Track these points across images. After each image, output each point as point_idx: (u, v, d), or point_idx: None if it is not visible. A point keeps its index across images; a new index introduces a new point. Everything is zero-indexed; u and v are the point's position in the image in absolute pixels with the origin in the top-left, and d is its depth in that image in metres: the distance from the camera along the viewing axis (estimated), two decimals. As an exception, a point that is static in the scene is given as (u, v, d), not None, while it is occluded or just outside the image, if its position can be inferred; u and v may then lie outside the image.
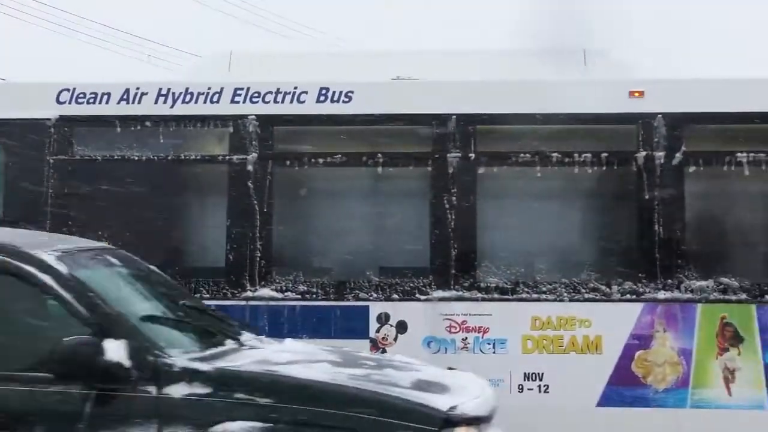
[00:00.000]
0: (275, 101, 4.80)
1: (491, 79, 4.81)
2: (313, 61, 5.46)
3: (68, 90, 4.87)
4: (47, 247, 2.88)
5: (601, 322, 4.63)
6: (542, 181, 4.74)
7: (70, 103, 4.86)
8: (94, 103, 4.85)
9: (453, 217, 4.65)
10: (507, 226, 4.80)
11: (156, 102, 4.83)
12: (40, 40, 23.48)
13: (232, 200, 4.77)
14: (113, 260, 3.24)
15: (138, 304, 3.06)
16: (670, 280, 4.61)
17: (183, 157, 4.87)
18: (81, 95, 4.86)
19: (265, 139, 4.77)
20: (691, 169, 4.67)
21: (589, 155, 4.69)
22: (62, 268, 2.72)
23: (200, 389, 2.49)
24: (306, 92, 4.79)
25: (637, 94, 4.72)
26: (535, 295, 4.63)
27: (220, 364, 2.66)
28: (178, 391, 2.48)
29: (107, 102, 4.84)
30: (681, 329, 4.61)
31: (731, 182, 4.72)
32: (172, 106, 4.82)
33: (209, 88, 4.83)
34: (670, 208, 4.65)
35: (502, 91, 4.79)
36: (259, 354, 2.89)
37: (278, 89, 4.79)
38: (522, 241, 4.79)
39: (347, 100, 4.76)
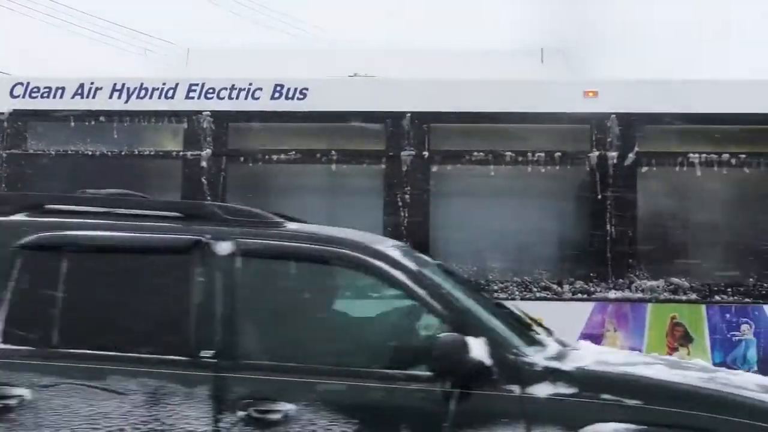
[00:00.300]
0: (230, 97, 4.80)
1: (446, 78, 4.80)
2: (274, 57, 5.47)
3: (22, 84, 4.85)
4: (383, 243, 2.81)
5: (552, 320, 4.63)
6: (496, 180, 4.75)
7: (23, 97, 4.84)
8: (48, 97, 4.83)
9: (405, 214, 4.66)
10: (460, 224, 4.81)
11: (110, 97, 4.82)
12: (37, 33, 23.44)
13: (187, 196, 4.76)
14: (421, 256, 3.06)
15: (467, 301, 2.87)
16: (621, 280, 4.64)
17: (137, 153, 4.86)
18: (35, 89, 4.84)
19: (220, 136, 4.77)
20: (644, 169, 4.70)
21: (542, 155, 4.70)
22: (411, 264, 2.63)
23: (565, 389, 2.40)
24: (261, 89, 4.78)
25: (591, 94, 4.73)
26: (486, 294, 4.64)
27: (573, 363, 2.55)
28: (542, 390, 2.39)
29: (61, 96, 4.82)
30: (631, 328, 4.64)
31: (683, 183, 4.75)
32: (126, 102, 4.81)
33: (164, 84, 4.82)
34: (622, 209, 4.67)
35: (458, 90, 4.79)
36: (590, 354, 2.75)
37: (233, 85, 4.78)
38: (475, 239, 4.80)
39: (302, 96, 4.76)
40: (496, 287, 4.64)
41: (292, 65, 5.23)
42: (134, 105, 4.81)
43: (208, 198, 4.66)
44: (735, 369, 4.52)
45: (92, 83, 4.85)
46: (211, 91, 4.78)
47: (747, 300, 4.61)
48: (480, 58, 5.03)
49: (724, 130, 4.73)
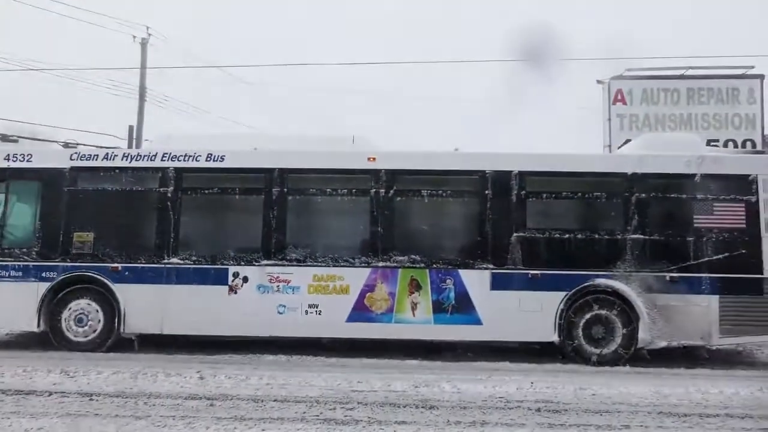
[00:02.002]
0: (185, 160, 9.10)
1: (296, 150, 9.12)
2: (218, 139, 9.75)
3: (77, 152, 9.20)
4: None
5: (349, 278, 8.84)
6: (321, 203, 9.02)
7: (77, 160, 9.18)
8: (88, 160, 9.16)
9: (274, 222, 8.91)
10: (302, 227, 9.09)
11: (122, 160, 9.14)
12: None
13: (162, 212, 9.00)
14: None
15: None
16: (385, 256, 8.84)
17: (135, 190, 9.15)
18: (83, 156, 9.18)
19: (178, 180, 9.06)
20: (398, 198, 8.95)
21: (345, 191, 8.98)
22: None
23: None
24: (201, 155, 9.09)
25: (372, 159, 9.02)
26: (315, 263, 8.86)
27: None
28: None
29: (96, 159, 9.15)
30: (390, 282, 8.82)
31: (418, 204, 8.98)
32: (129, 162, 9.13)
33: (150, 152, 9.16)
34: (387, 219, 8.90)
35: (302, 156, 9.08)
36: None
37: (186, 154, 9.09)
38: (309, 235, 9.05)
39: (221, 160, 9.06)
40: (320, 260, 8.83)
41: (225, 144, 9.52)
42: (134, 164, 9.12)
43: (171, 213, 8.92)
44: (445, 303, 8.73)
45: (114, 152, 9.18)
46: (174, 157, 9.09)
47: (450, 267, 8.81)
48: (315, 142, 9.35)
49: (438, 178, 8.99)
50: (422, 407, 6.07)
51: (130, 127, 19.62)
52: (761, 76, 16.32)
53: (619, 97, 16.66)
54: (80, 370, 7.29)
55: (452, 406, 6.13)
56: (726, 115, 16.37)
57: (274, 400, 6.26)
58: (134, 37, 20.57)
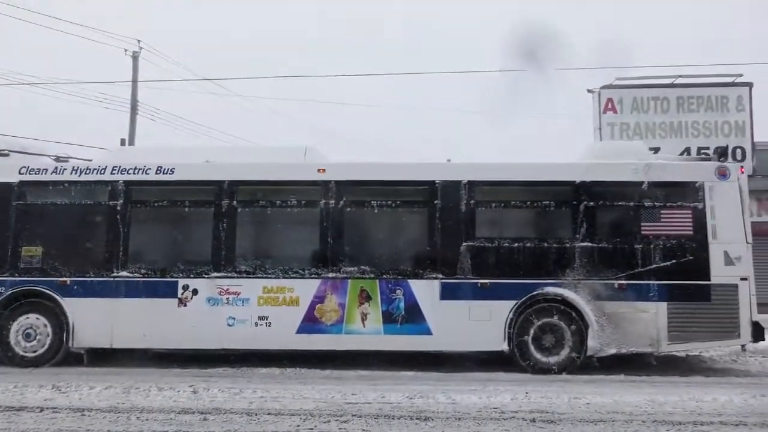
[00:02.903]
0: (134, 173, 9.09)
1: (245, 162, 9.14)
2: (171, 151, 9.73)
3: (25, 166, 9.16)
4: None
5: (299, 289, 8.84)
6: (271, 215, 9.03)
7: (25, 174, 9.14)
8: (36, 174, 9.12)
9: (223, 235, 8.90)
10: (252, 239, 9.09)
11: (71, 173, 9.10)
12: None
13: (111, 225, 8.97)
14: None
15: None
16: (335, 267, 8.85)
17: (85, 204, 9.11)
18: (31, 169, 9.15)
19: (128, 193, 9.04)
20: (348, 209, 8.97)
21: (295, 202, 9.00)
22: None
23: None
24: (150, 169, 9.07)
25: (321, 171, 9.04)
26: (265, 275, 8.85)
27: None
28: None
29: (45, 173, 9.12)
30: (340, 293, 8.82)
31: (369, 214, 9.01)
32: (79, 175, 9.10)
33: (99, 165, 9.14)
34: (337, 230, 8.91)
35: (253, 168, 9.10)
36: None
37: (135, 167, 9.08)
38: (259, 247, 9.06)
39: (171, 173, 9.05)
40: (270, 272, 8.82)
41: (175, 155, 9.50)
42: (84, 177, 9.09)
43: (121, 226, 8.90)
44: (394, 313, 8.74)
45: (63, 166, 9.15)
46: (123, 170, 9.07)
47: (400, 277, 8.81)
48: (268, 153, 9.37)
49: (388, 189, 9.02)
50: (417, 419, 6.03)
51: (122, 141, 19.43)
52: (749, 84, 16.44)
53: (610, 106, 16.77)
54: (72, 385, 7.23)
55: (447, 417, 6.09)
56: (715, 122, 16.53)
57: (268, 414, 6.23)
58: (126, 50, 20.44)
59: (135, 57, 20.49)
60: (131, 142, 19.54)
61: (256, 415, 6.18)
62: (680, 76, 16.64)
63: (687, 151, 16.31)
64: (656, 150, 13.92)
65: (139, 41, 20.61)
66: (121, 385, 7.25)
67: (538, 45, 17.03)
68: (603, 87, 16.86)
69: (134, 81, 20.45)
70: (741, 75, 16.39)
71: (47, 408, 6.39)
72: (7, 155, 9.43)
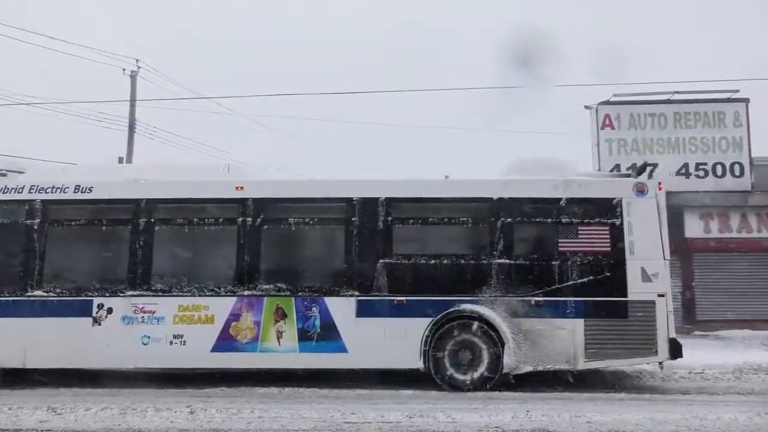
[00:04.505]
0: (52, 192, 9.08)
1: (164, 180, 9.14)
2: (94, 170, 9.74)
3: (-57, 186, 9.16)
4: None
5: (214, 307, 8.79)
6: (188, 233, 9.01)
7: (-56, 193, 9.13)
8: (-44, 193, 9.11)
9: (140, 253, 8.87)
10: (169, 257, 9.05)
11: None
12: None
13: (28, 244, 8.95)
14: None
15: None
16: (251, 284, 8.81)
17: (5, 222, 9.09)
18: (-50, 189, 9.14)
19: (45, 212, 9.03)
20: (265, 226, 8.95)
21: (213, 220, 8.99)
22: None
23: None
24: (68, 187, 9.07)
25: (239, 188, 9.04)
26: (180, 293, 8.80)
27: None
28: None
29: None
30: (255, 310, 8.76)
31: (286, 232, 8.97)
32: (4, 193, 9.08)
33: (17, 185, 9.13)
34: (254, 248, 8.88)
35: (174, 186, 9.10)
36: None
37: (53, 186, 9.08)
38: (175, 265, 9.01)
39: (89, 191, 9.04)
40: (186, 290, 8.79)
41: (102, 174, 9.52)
42: (1, 196, 9.07)
43: (37, 245, 8.87)
44: (310, 331, 8.69)
45: None
46: (41, 189, 9.07)
47: (315, 294, 8.77)
48: (191, 171, 9.37)
49: (305, 206, 9.02)
50: (416, 438, 5.94)
51: (120, 159, 19.38)
52: (746, 100, 16.50)
53: (607, 122, 16.80)
54: (68, 407, 7.18)
55: (447, 437, 6.02)
56: (713, 138, 16.56)
57: (266, 433, 6.19)
58: (124, 70, 20.39)
59: (133, 76, 20.44)
60: (128, 160, 19.55)
61: (254, 435, 6.10)
62: (677, 92, 16.65)
63: (685, 167, 16.40)
64: (654, 166, 13.94)
65: (137, 60, 20.58)
66: (117, 405, 7.20)
67: (534, 57, 17.04)
68: (601, 103, 16.81)
69: (132, 100, 20.34)
70: (738, 91, 16.48)
71: (42, 430, 6.35)
72: (5, 175, 9.48)
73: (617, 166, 15.98)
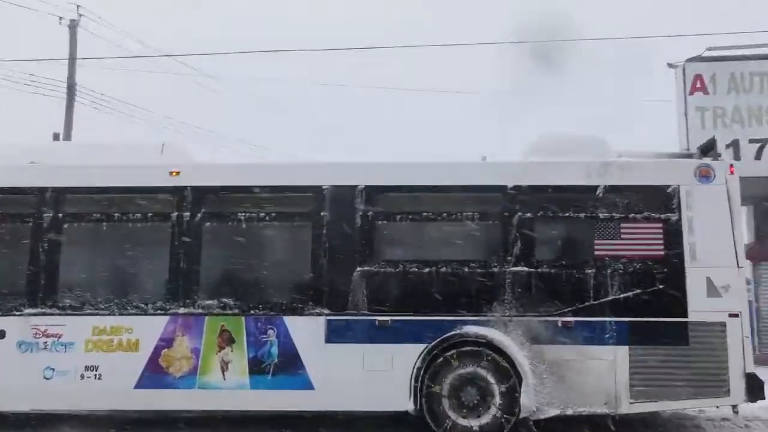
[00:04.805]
0: None
1: (78, 164, 7.04)
2: None
3: None
4: None
5: (140, 329, 6.70)
6: (106, 232, 6.93)
7: None
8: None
9: (43, 259, 6.81)
10: (81, 264, 6.98)
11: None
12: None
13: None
14: None
15: None
16: (188, 300, 6.71)
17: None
18: None
19: None
20: (207, 223, 6.84)
21: (139, 215, 6.89)
22: None
23: None
24: None
25: (174, 174, 6.93)
26: (95, 311, 6.72)
27: None
28: None
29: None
30: (193, 334, 6.67)
31: (236, 231, 6.84)
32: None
33: None
34: (193, 252, 6.78)
35: (85, 171, 6.99)
36: None
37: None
38: (90, 275, 6.92)
39: None
40: (103, 306, 6.70)
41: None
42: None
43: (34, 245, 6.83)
44: (265, 361, 6.59)
45: None
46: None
47: (273, 313, 6.67)
48: (121, 151, 7.25)
49: (260, 197, 6.89)
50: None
51: (56, 135, 16.46)
52: None
53: (699, 84, 12.42)
54: None
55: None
56: None
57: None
58: (61, 18, 16.68)
59: (72, 27, 16.87)
60: (67, 136, 16.26)
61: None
62: None
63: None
64: (764, 143, 11.11)
65: (78, 6, 17.02)
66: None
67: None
68: (689, 60, 12.46)
69: (71, 58, 16.80)
70: None
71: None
72: None
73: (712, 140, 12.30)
